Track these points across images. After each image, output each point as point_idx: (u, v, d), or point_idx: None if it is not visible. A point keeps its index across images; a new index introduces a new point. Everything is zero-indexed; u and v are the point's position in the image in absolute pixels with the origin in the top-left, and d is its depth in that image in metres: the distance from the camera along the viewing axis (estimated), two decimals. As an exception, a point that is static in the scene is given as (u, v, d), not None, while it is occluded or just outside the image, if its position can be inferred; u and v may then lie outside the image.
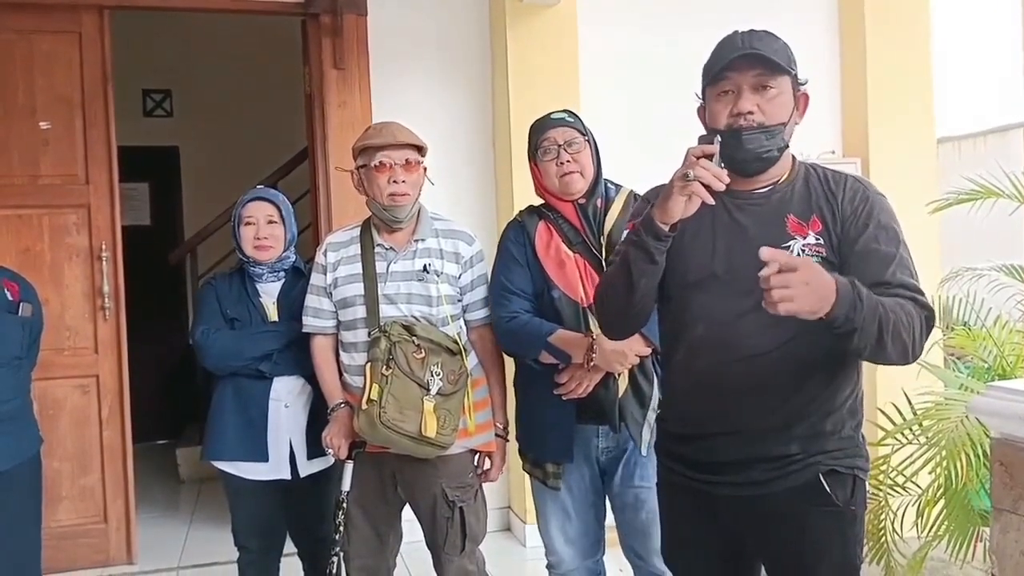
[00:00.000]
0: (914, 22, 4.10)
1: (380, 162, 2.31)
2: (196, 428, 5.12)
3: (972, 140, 6.55)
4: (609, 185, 2.34)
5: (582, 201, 2.27)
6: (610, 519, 2.40)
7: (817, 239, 1.66)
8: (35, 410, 2.63)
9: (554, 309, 2.25)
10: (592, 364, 2.15)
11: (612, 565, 2.50)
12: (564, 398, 2.22)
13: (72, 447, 3.64)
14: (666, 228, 1.64)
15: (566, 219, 2.29)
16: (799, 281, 1.42)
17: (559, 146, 2.25)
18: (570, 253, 2.26)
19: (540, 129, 2.31)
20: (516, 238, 2.35)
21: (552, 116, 2.31)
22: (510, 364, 2.44)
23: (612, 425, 2.24)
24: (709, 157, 1.58)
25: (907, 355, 1.57)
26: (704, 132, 1.68)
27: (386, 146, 2.31)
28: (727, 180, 1.58)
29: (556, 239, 2.28)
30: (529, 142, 2.34)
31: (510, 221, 2.43)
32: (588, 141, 2.28)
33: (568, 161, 2.24)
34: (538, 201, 2.39)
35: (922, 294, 1.61)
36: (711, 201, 1.58)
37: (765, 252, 1.46)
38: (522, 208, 2.45)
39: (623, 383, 2.23)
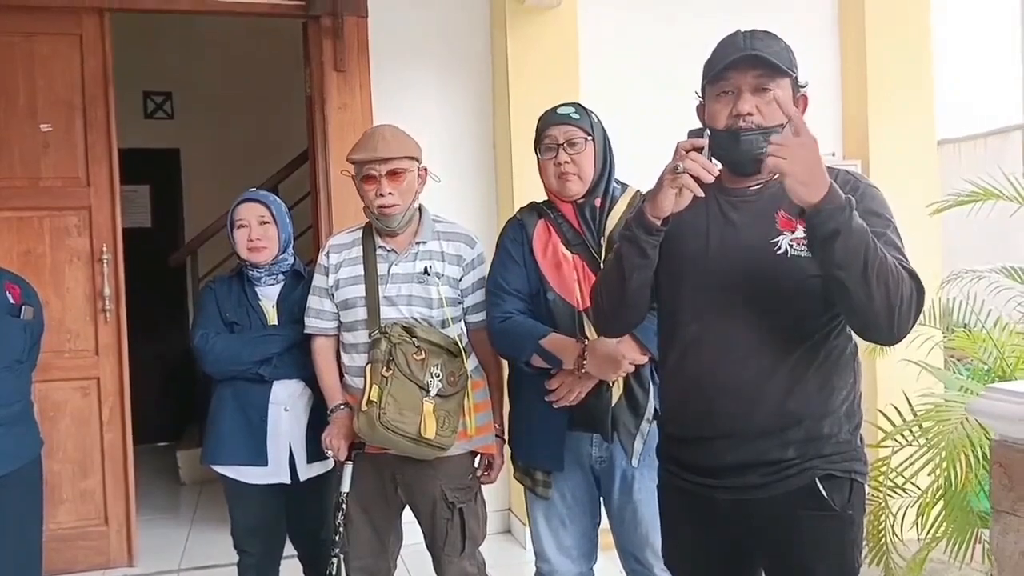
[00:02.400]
0: (914, 24, 4.10)
1: (367, 174, 2.31)
2: (197, 430, 5.12)
3: (972, 142, 6.56)
4: (616, 184, 2.26)
5: (580, 201, 2.22)
6: (604, 523, 2.35)
7: (805, 233, 1.66)
8: (35, 412, 2.63)
9: (549, 311, 2.21)
10: (583, 371, 2.10)
11: (613, 569, 2.48)
12: (555, 405, 2.18)
13: (73, 449, 3.65)
14: (657, 222, 1.65)
15: (566, 219, 2.24)
16: (798, 143, 1.46)
17: (559, 145, 2.18)
18: (568, 255, 2.21)
19: (544, 124, 2.23)
20: (515, 236, 2.30)
21: (558, 111, 2.23)
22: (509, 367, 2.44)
23: (604, 434, 2.19)
24: (698, 150, 1.59)
25: (892, 315, 1.53)
26: (694, 127, 1.68)
27: (371, 160, 2.30)
28: (716, 172, 1.60)
29: (554, 239, 2.23)
30: (535, 134, 2.27)
31: (510, 218, 2.38)
32: (592, 140, 2.19)
33: (566, 162, 2.17)
34: (541, 196, 2.34)
35: (913, 271, 1.59)
36: (700, 193, 1.59)
37: (777, 95, 1.52)
38: (521, 206, 2.39)
39: (617, 391, 2.18)
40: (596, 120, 2.24)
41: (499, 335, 2.27)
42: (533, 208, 2.34)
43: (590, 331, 2.14)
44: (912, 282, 1.56)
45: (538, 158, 2.26)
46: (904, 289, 1.54)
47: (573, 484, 2.27)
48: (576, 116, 2.20)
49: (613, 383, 2.17)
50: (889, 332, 1.56)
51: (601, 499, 2.32)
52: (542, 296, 2.23)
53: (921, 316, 3.32)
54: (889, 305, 1.52)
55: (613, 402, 2.18)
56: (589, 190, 2.21)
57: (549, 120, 2.23)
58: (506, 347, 2.28)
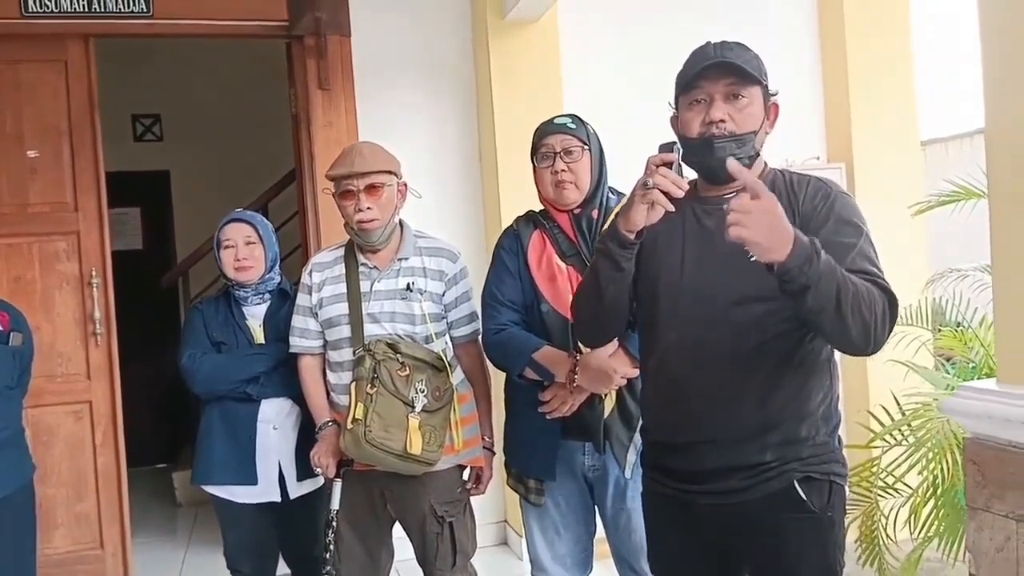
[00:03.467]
0: (894, 25, 4.12)
1: (345, 190, 2.32)
2: (192, 451, 5.10)
3: (959, 141, 6.59)
4: (611, 194, 2.27)
5: (577, 211, 2.23)
6: (600, 532, 2.36)
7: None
8: (28, 438, 2.64)
9: (542, 323, 2.22)
10: (575, 384, 2.12)
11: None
12: (548, 417, 2.19)
13: (66, 474, 3.64)
14: (631, 236, 1.67)
15: (561, 229, 2.25)
16: (759, 209, 1.43)
17: (556, 153, 2.19)
18: (563, 266, 2.22)
19: (541, 133, 2.25)
20: (510, 247, 2.31)
21: (555, 121, 2.25)
22: (496, 378, 2.45)
23: (596, 444, 2.20)
24: (668, 165, 1.61)
25: (868, 336, 1.54)
26: (664, 141, 1.69)
27: (349, 175, 2.32)
28: (686, 187, 1.62)
29: (549, 250, 2.25)
30: (532, 144, 2.28)
31: (506, 228, 2.39)
32: (588, 150, 2.21)
33: (563, 170, 2.18)
34: (528, 207, 2.35)
35: (884, 280, 1.60)
36: (671, 208, 1.61)
37: (732, 164, 1.47)
38: (517, 215, 2.40)
39: (609, 403, 2.19)
40: (592, 131, 2.26)
41: (493, 347, 2.28)
42: (529, 218, 2.35)
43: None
44: (884, 296, 1.57)
45: (534, 167, 2.28)
46: (877, 308, 1.54)
47: (567, 492, 2.28)
48: (573, 126, 2.23)
49: (606, 395, 2.18)
50: (865, 349, 1.58)
51: (596, 507, 2.33)
52: (536, 308, 2.24)
53: (909, 316, 3.36)
54: (864, 329, 1.53)
55: (606, 413, 2.19)
56: (585, 201, 2.23)
57: (546, 130, 2.25)
58: (500, 359, 2.29)
